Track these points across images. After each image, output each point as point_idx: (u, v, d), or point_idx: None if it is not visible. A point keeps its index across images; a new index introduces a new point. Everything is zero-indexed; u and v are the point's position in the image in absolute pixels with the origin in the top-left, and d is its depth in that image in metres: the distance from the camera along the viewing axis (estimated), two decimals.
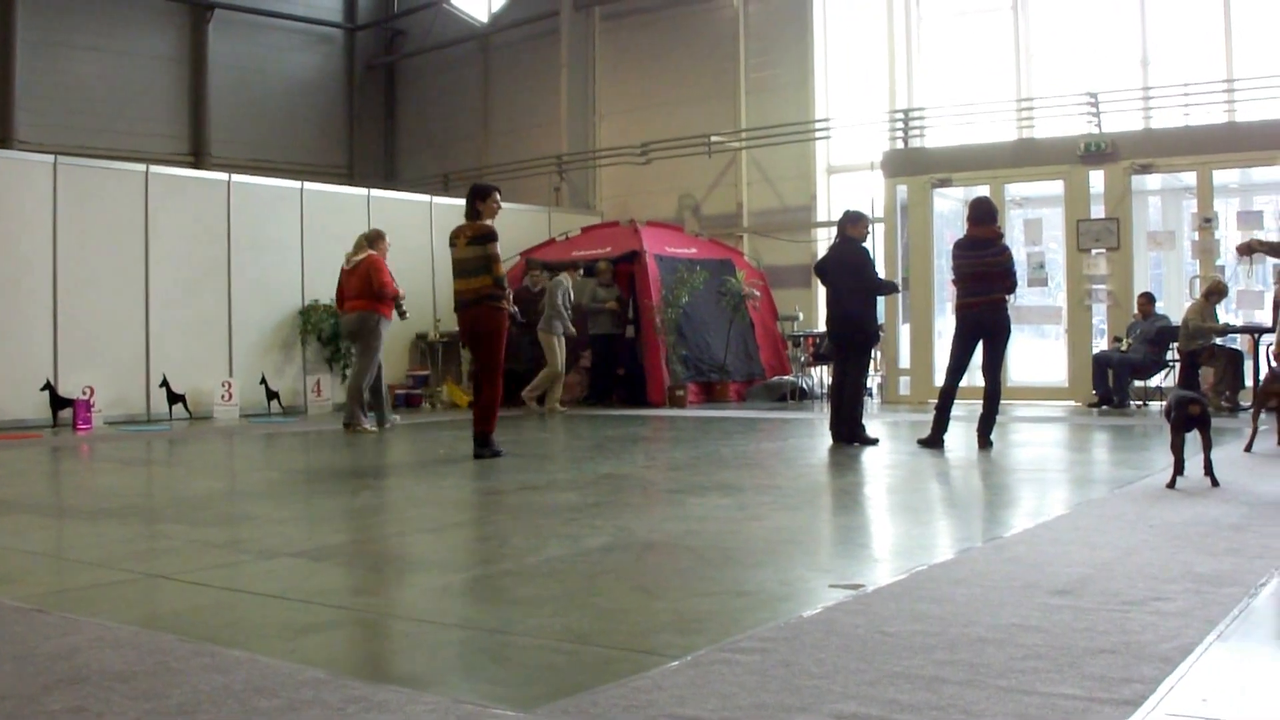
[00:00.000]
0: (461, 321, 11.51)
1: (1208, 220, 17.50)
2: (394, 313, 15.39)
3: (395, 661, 4.42)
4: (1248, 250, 9.84)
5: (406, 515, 8.44)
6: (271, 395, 18.51)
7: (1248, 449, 10.76)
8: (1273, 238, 9.99)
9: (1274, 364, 10.99)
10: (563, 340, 18.47)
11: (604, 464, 11.15)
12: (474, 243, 11.20)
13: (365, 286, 14.86)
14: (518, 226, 21.97)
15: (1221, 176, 18.11)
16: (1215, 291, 16.18)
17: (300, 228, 19.32)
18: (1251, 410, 11.60)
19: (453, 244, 11.48)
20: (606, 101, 26.29)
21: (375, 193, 20.62)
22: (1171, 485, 8.34)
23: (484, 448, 11.32)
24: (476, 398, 11.58)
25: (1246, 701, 3.79)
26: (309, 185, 20.02)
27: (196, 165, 25.81)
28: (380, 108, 31.54)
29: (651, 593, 5.38)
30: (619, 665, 4.11)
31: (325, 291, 18.87)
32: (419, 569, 6.26)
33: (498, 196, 11.61)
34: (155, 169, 18.19)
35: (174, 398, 17.27)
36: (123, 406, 17.16)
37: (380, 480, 10.60)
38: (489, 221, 11.31)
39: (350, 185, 23.66)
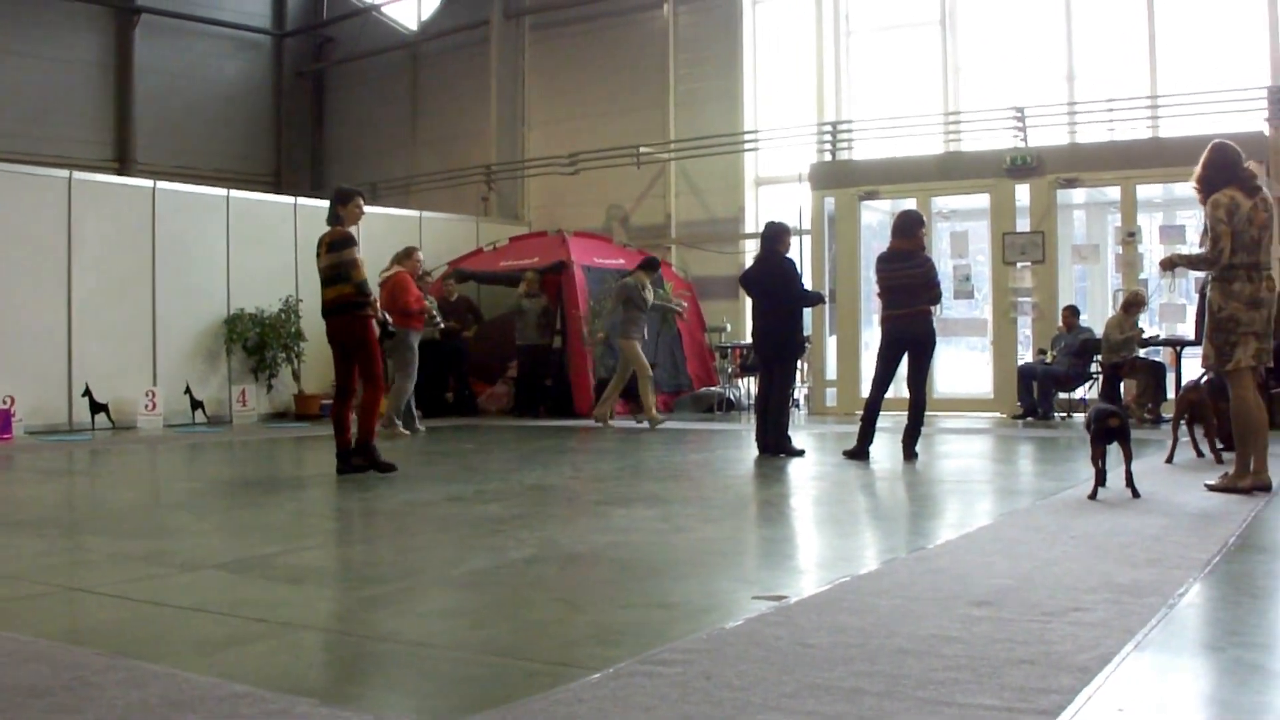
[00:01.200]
0: (328, 330, 11.07)
1: (1131, 234, 17.70)
2: (425, 326, 16.02)
3: (316, 675, 4.37)
4: (1170, 265, 9.96)
5: (329, 527, 8.41)
6: (196, 405, 18.36)
7: (1169, 460, 10.88)
8: (1194, 251, 10.13)
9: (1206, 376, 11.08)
10: (641, 344, 17.04)
11: (530, 475, 11.13)
12: (331, 249, 10.79)
13: (391, 303, 14.91)
14: (446, 236, 22.00)
15: (1145, 191, 18.34)
16: (1134, 303, 16.35)
17: (226, 236, 19.18)
18: (1171, 422, 11.72)
19: (317, 253, 11.05)
20: (535, 111, 26.26)
21: (302, 201, 20.50)
22: (1093, 497, 8.42)
23: (362, 456, 10.88)
24: (336, 406, 11.21)
25: (1163, 712, 3.82)
26: (235, 193, 19.86)
27: (121, 172, 25.56)
28: (308, 115, 31.33)
29: (575, 605, 5.37)
30: (540, 678, 4.09)
31: (251, 300, 18.82)
32: (341, 581, 6.23)
33: (360, 202, 11.09)
34: (79, 175, 18.02)
35: (96, 407, 17.08)
36: (44, 416, 16.97)
37: (304, 491, 10.55)
38: (350, 228, 10.95)
39: (277, 193, 23.56)
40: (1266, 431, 9.08)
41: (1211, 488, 8.98)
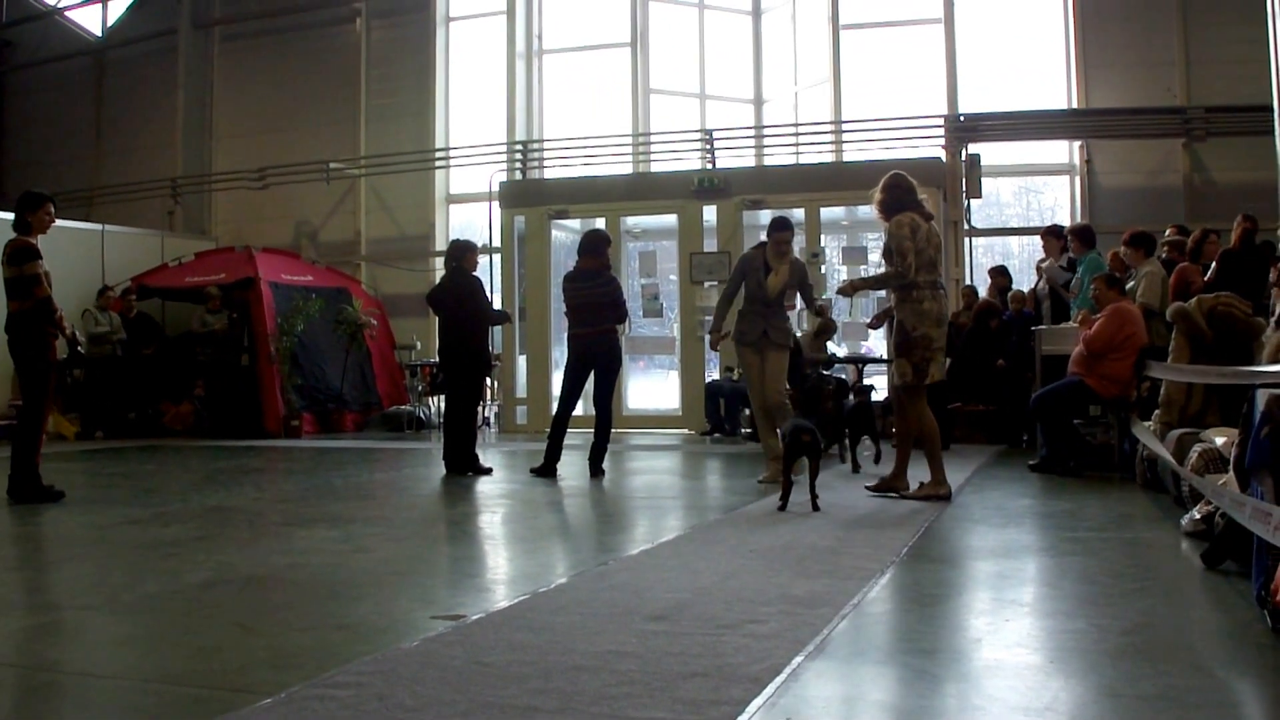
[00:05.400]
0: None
1: (815, 255, 18.12)
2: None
3: None
4: (849, 292, 10.43)
5: None
6: None
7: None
8: (877, 272, 10.65)
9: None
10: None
11: (212, 496, 10.82)
12: (11, 261, 10.04)
13: None
14: (130, 250, 21.30)
15: (829, 213, 18.82)
16: (824, 331, 16.73)
17: None
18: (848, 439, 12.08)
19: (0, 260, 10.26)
20: (224, 124, 25.63)
21: None
22: (783, 508, 8.64)
23: (24, 486, 10.04)
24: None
25: (829, 719, 3.89)
26: None
27: None
28: None
29: (249, 629, 5.24)
30: (210, 705, 4.00)
31: None
32: (6, 610, 5.89)
33: (51, 208, 10.25)
34: None
35: None
36: None
37: None
38: (39, 236, 10.15)
39: None
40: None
41: (905, 496, 9.47)
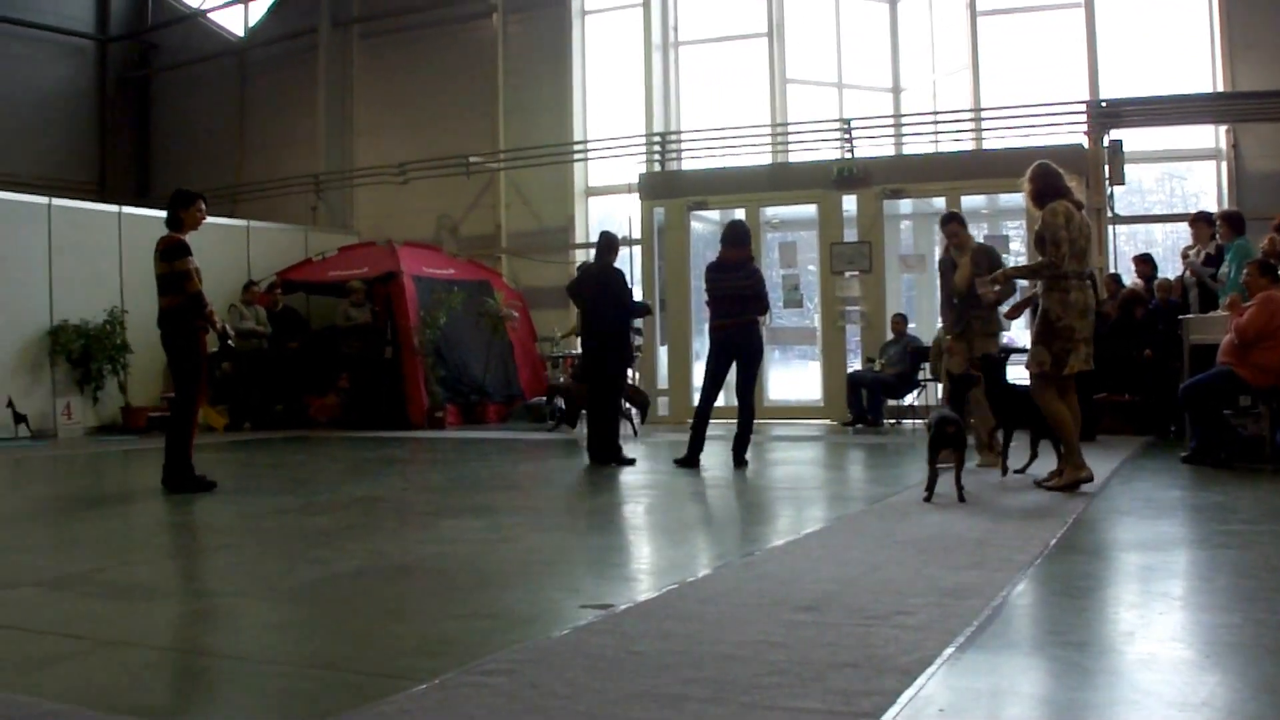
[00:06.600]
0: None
1: None
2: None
3: (137, 692, 4.22)
4: (1002, 281, 10.32)
5: (154, 541, 8.21)
6: (19, 419, 17.75)
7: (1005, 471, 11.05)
8: (1028, 263, 10.51)
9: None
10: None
11: (360, 487, 11.00)
12: (164, 257, 10.24)
13: None
14: (274, 246, 21.64)
15: (969, 201, 18.61)
16: None
17: (48, 245, 18.55)
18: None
19: (154, 257, 10.44)
20: (365, 120, 25.93)
21: (127, 210, 19.96)
22: (928, 499, 8.58)
23: (178, 476, 10.30)
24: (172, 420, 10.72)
25: (980, 711, 3.87)
26: (57, 201, 19.24)
27: None
28: (134, 122, 30.49)
29: (401, 616, 5.31)
30: (366, 690, 4.04)
31: (75, 311, 18.26)
32: (164, 596, 6.06)
33: (202, 205, 10.47)
34: None
35: None
36: None
37: (129, 506, 10.27)
38: (190, 233, 10.36)
39: (101, 202, 22.95)
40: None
41: (1050, 487, 9.29)
